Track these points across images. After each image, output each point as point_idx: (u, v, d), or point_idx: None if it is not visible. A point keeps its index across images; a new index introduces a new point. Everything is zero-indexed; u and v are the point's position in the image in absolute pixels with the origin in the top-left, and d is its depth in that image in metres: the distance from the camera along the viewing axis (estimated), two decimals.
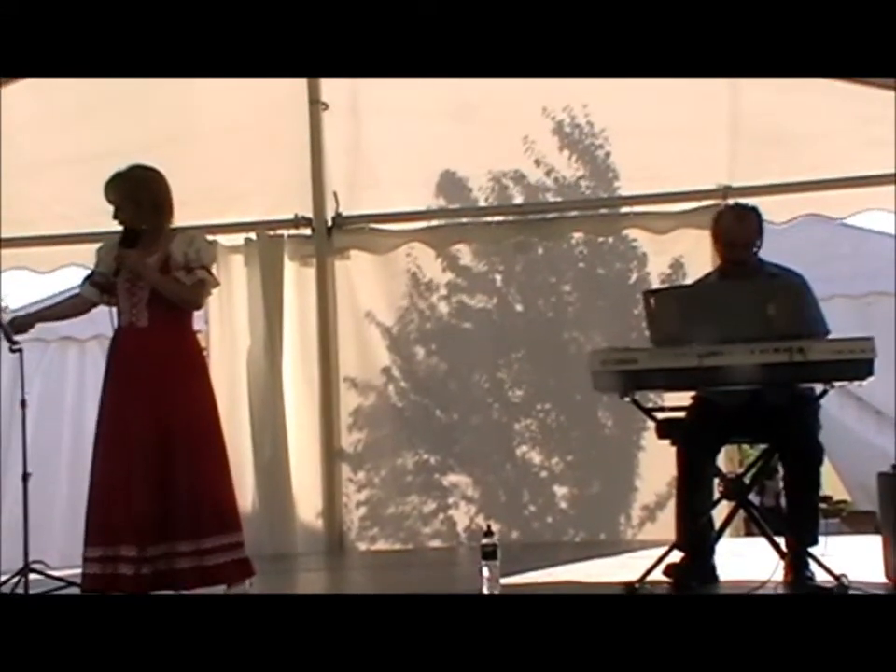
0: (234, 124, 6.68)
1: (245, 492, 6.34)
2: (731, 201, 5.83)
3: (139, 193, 4.57)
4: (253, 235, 6.86)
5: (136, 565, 4.27)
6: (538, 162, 6.95)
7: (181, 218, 6.82)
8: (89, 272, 4.74)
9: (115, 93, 6.13)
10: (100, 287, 4.65)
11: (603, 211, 7.03)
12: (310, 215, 6.89)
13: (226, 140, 6.73)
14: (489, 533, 4.23)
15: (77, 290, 4.78)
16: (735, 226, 4.56)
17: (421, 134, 6.71)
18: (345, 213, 6.95)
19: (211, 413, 4.57)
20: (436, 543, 6.92)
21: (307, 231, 6.93)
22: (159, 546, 4.33)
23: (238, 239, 6.93)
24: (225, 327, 6.93)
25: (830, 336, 4.35)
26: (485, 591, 4.16)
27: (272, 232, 6.90)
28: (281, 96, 6.49)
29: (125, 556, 4.28)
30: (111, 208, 4.57)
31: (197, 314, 4.85)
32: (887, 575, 4.29)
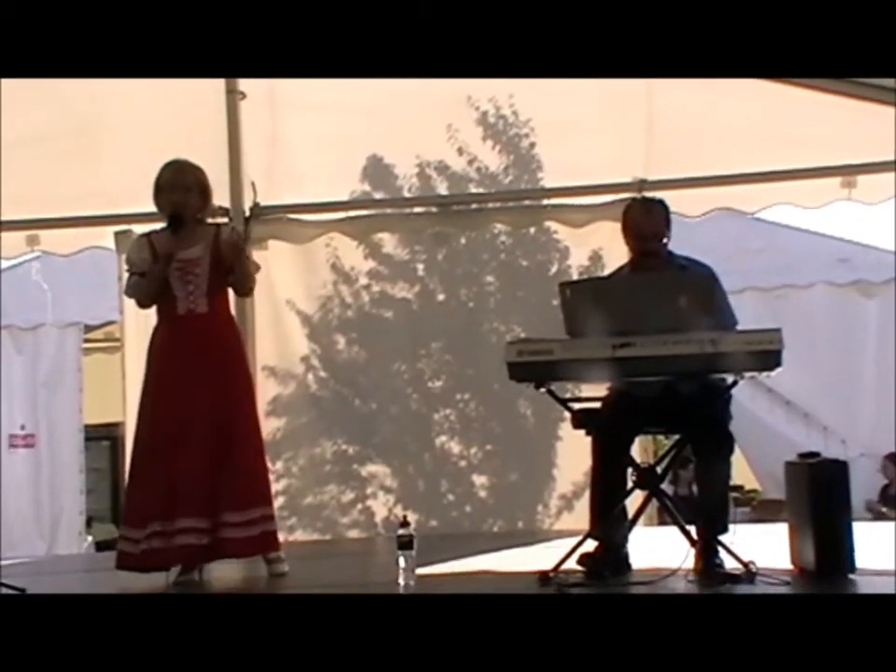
0: (151, 113, 6.60)
1: None
2: (645, 194, 5.90)
3: (207, 183, 4.85)
4: None
5: (198, 535, 4.46)
6: (461, 151, 6.98)
7: (99, 207, 6.80)
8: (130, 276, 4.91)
9: (25, 80, 6.00)
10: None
11: (526, 202, 7.08)
12: (227, 205, 6.82)
13: (142, 129, 6.65)
14: (405, 524, 4.25)
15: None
16: (643, 218, 4.62)
17: (342, 123, 6.69)
18: (263, 203, 6.91)
19: (253, 394, 4.93)
20: (354, 534, 6.93)
21: (224, 221, 6.88)
22: (213, 517, 4.51)
23: (155, 228, 6.84)
24: (140, 317, 6.83)
25: (738, 327, 4.43)
26: (401, 581, 4.19)
27: None
28: (198, 85, 6.41)
29: (186, 528, 4.45)
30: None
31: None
32: (792, 561, 4.40)
